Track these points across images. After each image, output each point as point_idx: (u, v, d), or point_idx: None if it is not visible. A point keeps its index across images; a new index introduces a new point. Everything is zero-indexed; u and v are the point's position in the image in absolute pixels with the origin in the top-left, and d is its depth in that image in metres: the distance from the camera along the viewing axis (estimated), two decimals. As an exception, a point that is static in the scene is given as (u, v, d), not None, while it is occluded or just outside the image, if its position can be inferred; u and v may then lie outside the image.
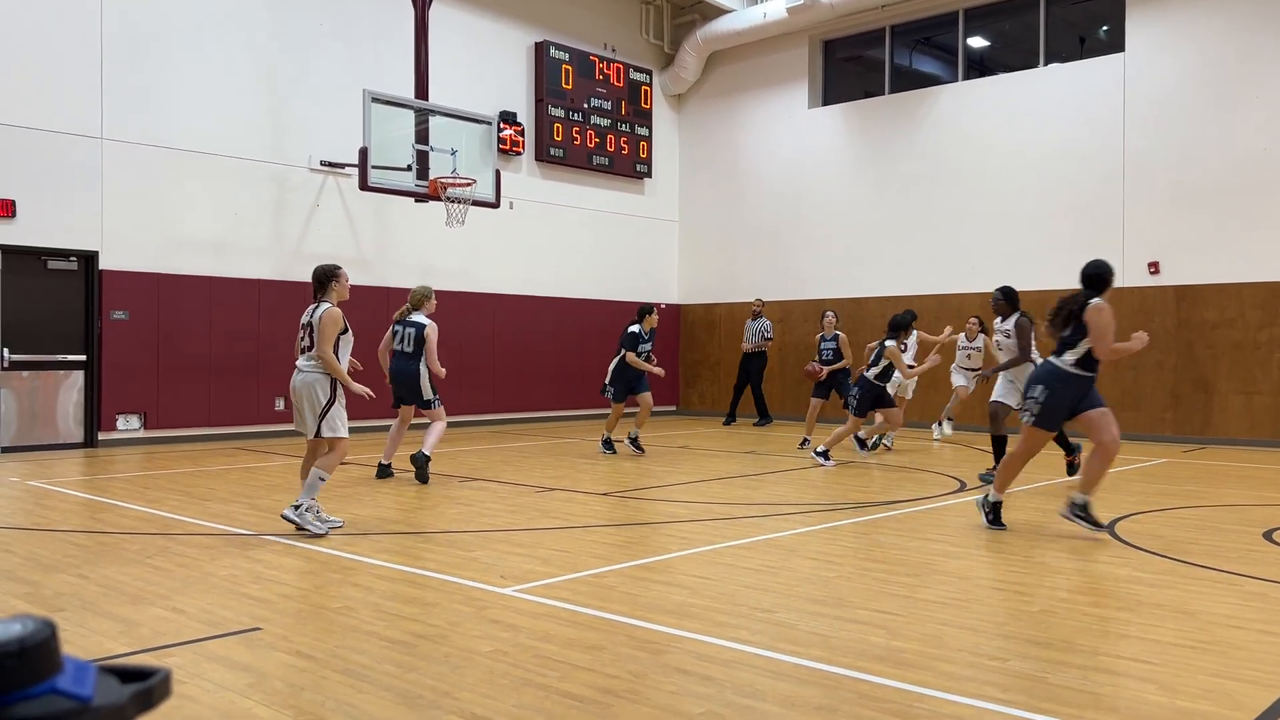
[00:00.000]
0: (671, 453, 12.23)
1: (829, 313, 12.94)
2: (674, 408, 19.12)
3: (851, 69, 18.09)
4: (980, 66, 16.64)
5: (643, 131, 18.37)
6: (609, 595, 5.06)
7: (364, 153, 12.56)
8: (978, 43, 16.60)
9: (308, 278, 7.65)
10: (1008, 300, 9.34)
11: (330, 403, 6.68)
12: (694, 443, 13.60)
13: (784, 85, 17.88)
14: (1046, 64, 15.30)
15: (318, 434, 6.70)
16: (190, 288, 12.95)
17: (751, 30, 17.50)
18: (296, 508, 6.58)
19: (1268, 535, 6.78)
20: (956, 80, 16.25)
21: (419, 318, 9.13)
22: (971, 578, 5.52)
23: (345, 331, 6.76)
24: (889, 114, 16.67)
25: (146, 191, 12.58)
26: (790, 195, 17.72)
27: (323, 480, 6.66)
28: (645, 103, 18.40)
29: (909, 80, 17.11)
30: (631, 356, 11.45)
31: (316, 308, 6.79)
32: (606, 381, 11.79)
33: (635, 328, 11.58)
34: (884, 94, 16.99)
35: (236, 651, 4.10)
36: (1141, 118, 14.03)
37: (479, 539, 6.58)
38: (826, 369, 12.51)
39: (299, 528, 6.55)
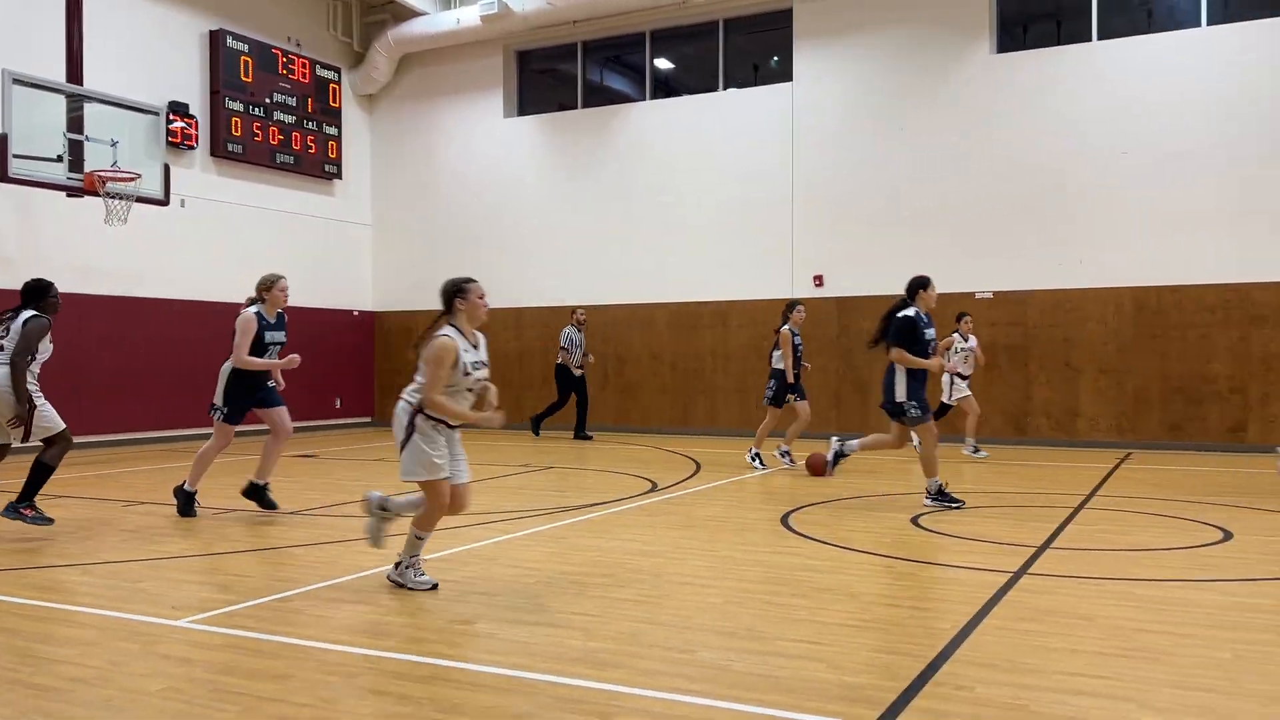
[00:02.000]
0: (369, 465, 11.81)
1: (801, 308, 11.55)
2: (369, 419, 18.49)
3: (546, 81, 18.39)
4: (667, 87, 17.47)
5: (331, 130, 17.65)
6: (297, 620, 4.79)
7: (2, 139, 11.14)
8: (664, 64, 17.42)
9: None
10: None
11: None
12: (394, 454, 13.23)
13: (480, 93, 17.85)
14: (725, 88, 16.34)
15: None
16: None
17: (445, 35, 17.32)
18: None
19: (915, 520, 7.60)
20: (645, 99, 16.97)
21: None
22: (662, 575, 5.75)
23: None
24: (583, 128, 17.10)
25: None
26: (490, 203, 17.70)
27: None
28: (334, 101, 17.69)
29: (602, 96, 17.65)
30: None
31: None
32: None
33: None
34: (577, 108, 17.41)
35: None
36: (808, 144, 15.33)
37: (147, 568, 6.01)
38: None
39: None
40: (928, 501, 8.25)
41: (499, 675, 3.93)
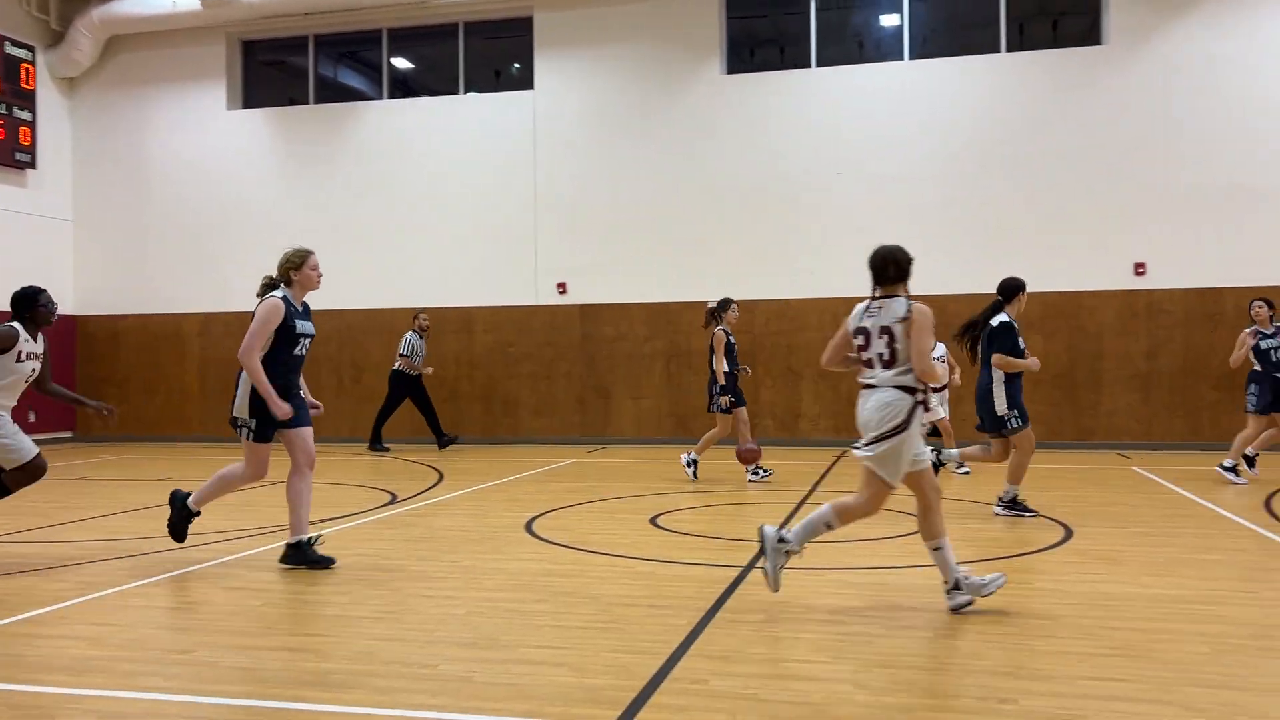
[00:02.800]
0: (69, 485, 10.71)
1: (735, 306, 10.75)
2: (70, 434, 16.80)
3: (275, 74, 17.45)
4: (406, 87, 17.08)
5: (24, 115, 15.90)
6: (-18, 661, 4.26)
7: None
8: (403, 63, 17.01)
9: None
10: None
11: None
12: (99, 472, 12.08)
13: (201, 82, 16.68)
14: (466, 92, 16.19)
15: None
16: None
17: (159, 18, 16.04)
18: None
19: (653, 520, 7.83)
20: (383, 98, 16.50)
21: None
22: (402, 589, 5.60)
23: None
24: (317, 124, 16.38)
25: None
26: (214, 199, 16.56)
27: None
28: (27, 83, 15.94)
29: (335, 92, 16.99)
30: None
31: None
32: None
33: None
34: (309, 103, 16.66)
35: None
36: (550, 152, 15.47)
37: None
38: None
39: None
40: (999, 510, 7.75)
41: (221, 705, 3.68)
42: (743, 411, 10.35)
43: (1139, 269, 13.44)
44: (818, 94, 14.65)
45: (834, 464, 11.99)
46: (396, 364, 14.47)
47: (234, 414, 6.04)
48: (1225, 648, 4.29)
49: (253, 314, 6.02)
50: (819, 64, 14.81)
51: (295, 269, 6.09)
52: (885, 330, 4.85)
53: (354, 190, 16.15)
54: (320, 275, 6.24)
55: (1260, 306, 9.99)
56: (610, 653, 4.34)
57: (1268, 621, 4.71)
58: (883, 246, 5.02)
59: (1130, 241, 13.44)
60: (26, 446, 6.34)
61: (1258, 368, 9.89)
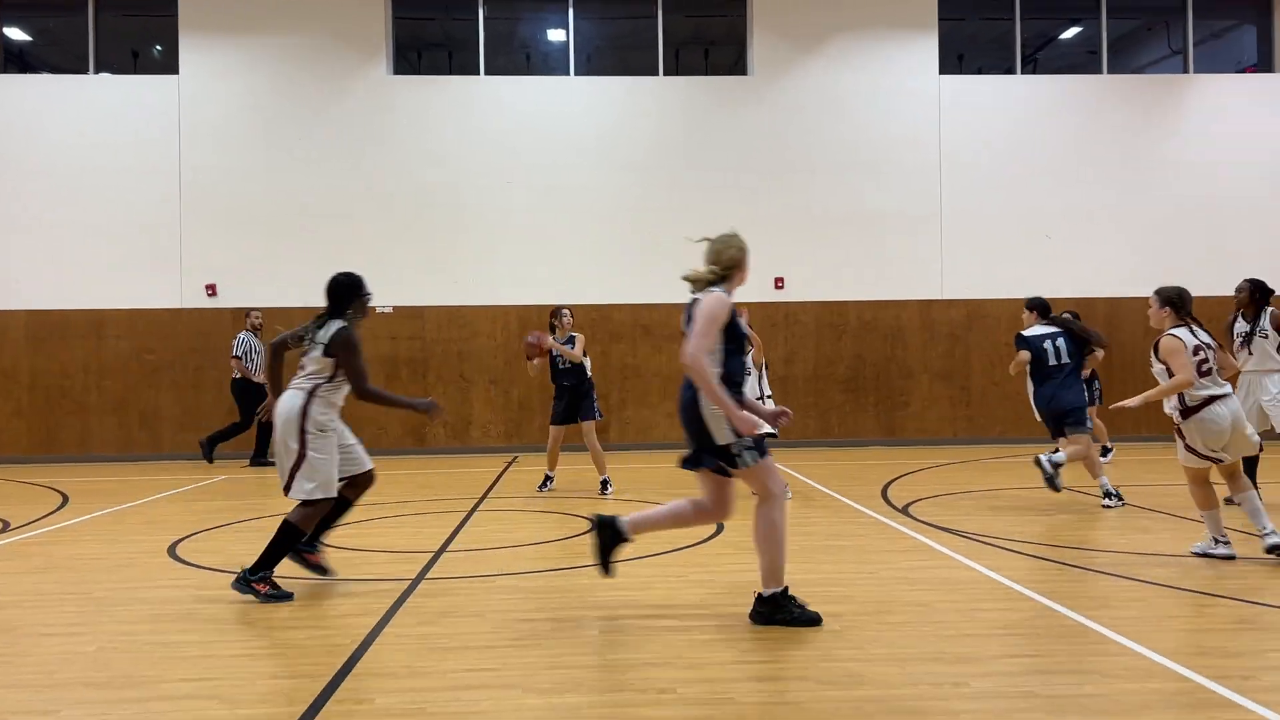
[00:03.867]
0: None
1: (565, 311, 9.91)
2: None
3: None
4: (22, 61, 15.12)
5: None
6: None
7: None
8: (18, 35, 15.04)
9: None
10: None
11: None
12: None
13: None
14: (98, 72, 14.61)
15: None
16: None
17: None
18: None
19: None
20: (-6, 71, 14.52)
21: None
22: (18, 628, 4.93)
23: None
24: (-96, 95, 14.07)
25: None
26: None
27: None
28: None
29: (-69, 60, 14.70)
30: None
31: None
32: None
33: None
34: (-104, 70, 14.31)
35: None
36: (198, 143, 14.30)
37: None
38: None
39: None
40: (1109, 502, 8.25)
41: None
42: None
43: (779, 283, 14.71)
44: (488, 102, 14.70)
45: (504, 471, 12.06)
46: (235, 370, 13.08)
47: (718, 442, 4.63)
48: (851, 624, 4.78)
49: None
50: (487, 72, 14.88)
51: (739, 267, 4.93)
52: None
53: (-41, 174, 14.07)
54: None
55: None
56: (268, 680, 4.08)
57: (884, 598, 5.30)
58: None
59: (772, 258, 14.67)
60: (329, 473, 5.49)
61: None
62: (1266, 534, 5.93)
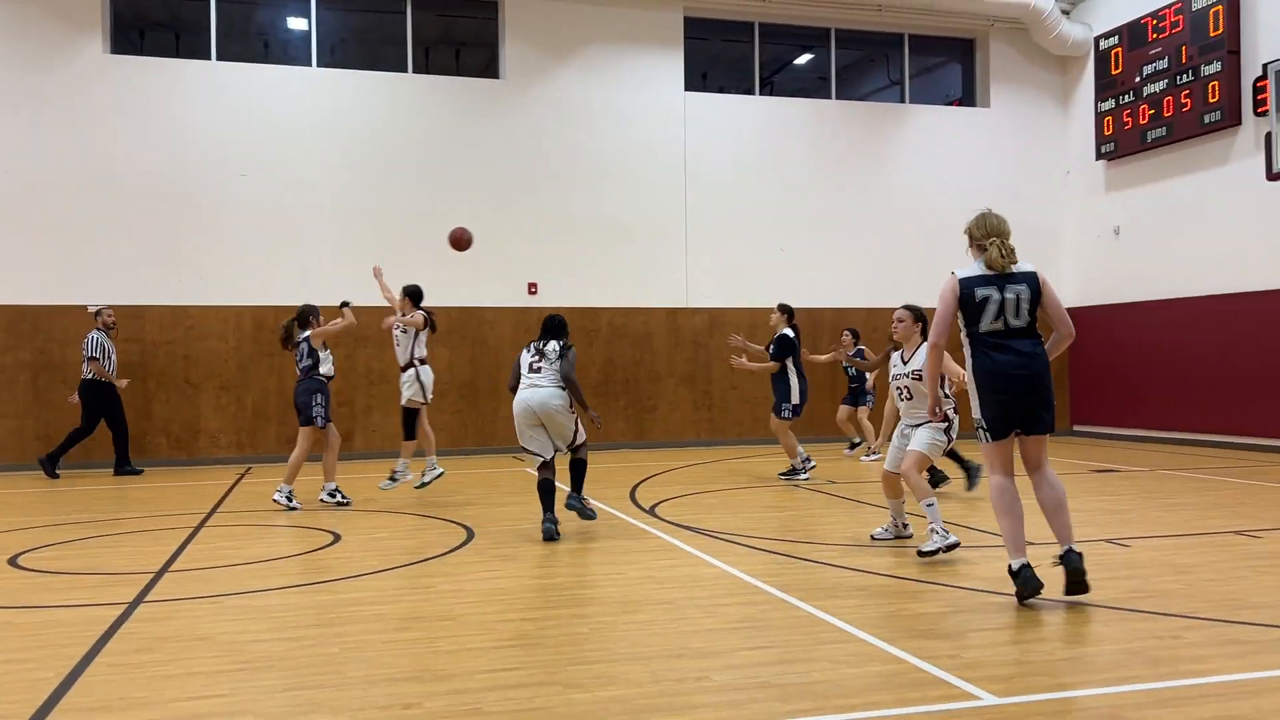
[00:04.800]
0: None
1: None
2: None
3: None
4: None
5: None
6: None
7: None
8: None
9: None
10: None
11: None
12: None
13: None
14: None
15: None
16: None
17: None
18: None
19: (12, 561, 6.69)
20: None
21: None
22: None
23: None
24: None
25: None
26: None
27: None
28: None
29: None
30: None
31: None
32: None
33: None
34: None
35: None
36: None
37: None
38: None
39: None
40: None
41: None
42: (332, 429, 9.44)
43: (532, 288, 14.73)
44: (221, 89, 13.76)
45: (236, 483, 11.34)
46: (86, 371, 11.74)
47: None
48: (599, 625, 4.83)
49: None
50: (220, 58, 13.94)
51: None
52: None
53: None
54: None
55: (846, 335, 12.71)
56: (-53, 726, 3.59)
57: (631, 598, 5.40)
58: None
59: (525, 262, 14.67)
60: None
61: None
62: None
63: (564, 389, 7.37)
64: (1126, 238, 15.56)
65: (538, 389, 7.35)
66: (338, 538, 7.48)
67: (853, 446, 13.15)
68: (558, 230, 14.83)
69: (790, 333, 10.59)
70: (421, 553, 6.79)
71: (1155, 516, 7.99)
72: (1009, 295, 5.07)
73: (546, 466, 7.43)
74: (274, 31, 14.94)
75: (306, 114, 14.03)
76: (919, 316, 6.95)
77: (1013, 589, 5.06)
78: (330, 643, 4.61)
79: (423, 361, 9.48)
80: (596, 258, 14.96)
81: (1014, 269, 5.13)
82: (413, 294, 9.50)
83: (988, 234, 5.23)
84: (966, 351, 5.20)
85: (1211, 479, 10.42)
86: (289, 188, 13.87)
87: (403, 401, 9.62)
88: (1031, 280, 5.14)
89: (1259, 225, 13.20)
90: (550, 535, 7.10)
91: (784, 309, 10.78)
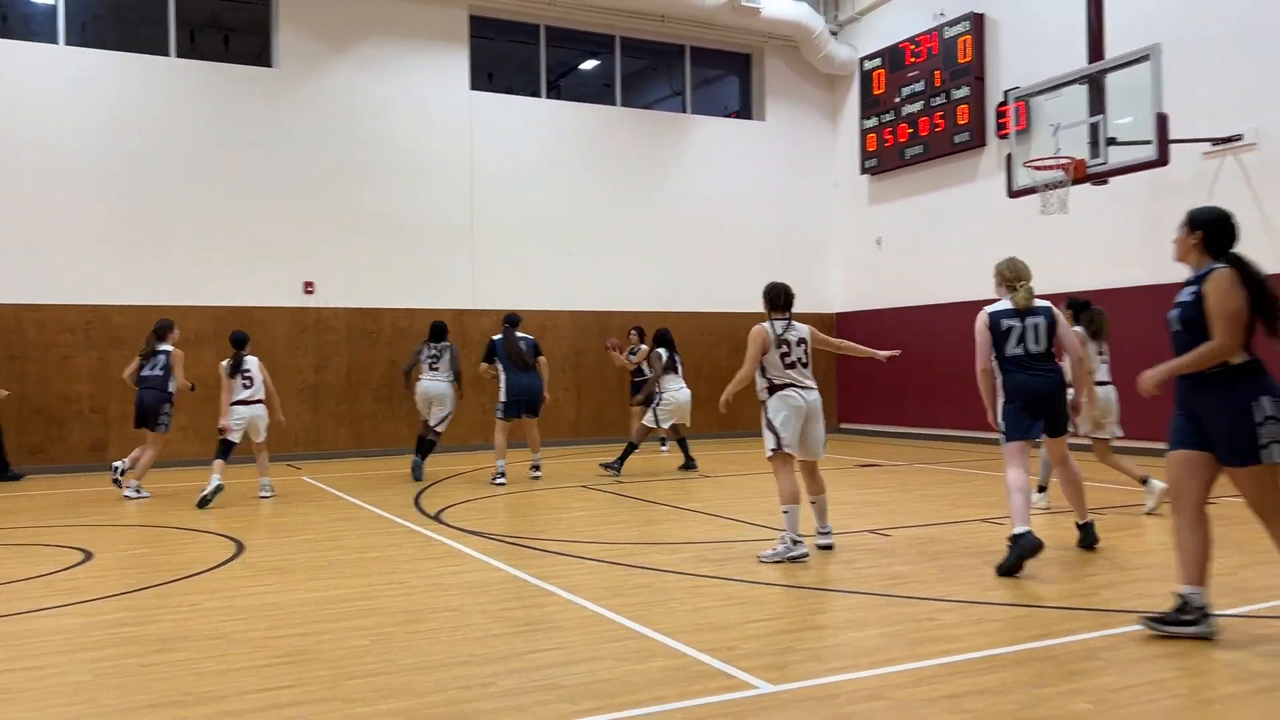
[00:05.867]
0: None
1: None
2: None
3: None
4: None
5: None
6: None
7: None
8: None
9: None
10: None
11: None
12: None
13: None
14: None
15: None
16: None
17: None
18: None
19: None
20: None
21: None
22: None
23: None
24: None
25: None
26: None
27: None
28: None
29: None
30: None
31: None
32: None
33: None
34: None
35: None
36: None
37: None
38: None
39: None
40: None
41: None
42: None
43: (309, 287, 14.11)
44: (-52, 63, 12.40)
45: (-30, 498, 10.23)
46: None
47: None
48: (380, 637, 4.68)
49: None
50: (-50, 29, 12.58)
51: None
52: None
53: None
54: None
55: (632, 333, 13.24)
56: None
57: (415, 607, 5.27)
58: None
59: (301, 261, 14.04)
60: None
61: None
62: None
63: (452, 380, 10.75)
64: (888, 247, 16.67)
65: (436, 381, 10.77)
66: (89, 555, 6.89)
67: (664, 443, 13.72)
68: (337, 228, 14.29)
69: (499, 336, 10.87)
70: (186, 569, 6.36)
71: (913, 507, 8.59)
72: (1029, 325, 6.02)
73: (426, 427, 10.85)
74: (13, 4, 13.62)
75: (54, 97, 12.85)
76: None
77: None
78: (81, 669, 4.24)
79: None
80: (379, 257, 14.52)
81: (1034, 305, 6.10)
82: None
83: (1018, 276, 6.16)
84: (996, 371, 6.11)
85: (963, 471, 11.31)
86: (43, 177, 12.66)
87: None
88: (1048, 313, 6.11)
89: (1002, 237, 14.47)
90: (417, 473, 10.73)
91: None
